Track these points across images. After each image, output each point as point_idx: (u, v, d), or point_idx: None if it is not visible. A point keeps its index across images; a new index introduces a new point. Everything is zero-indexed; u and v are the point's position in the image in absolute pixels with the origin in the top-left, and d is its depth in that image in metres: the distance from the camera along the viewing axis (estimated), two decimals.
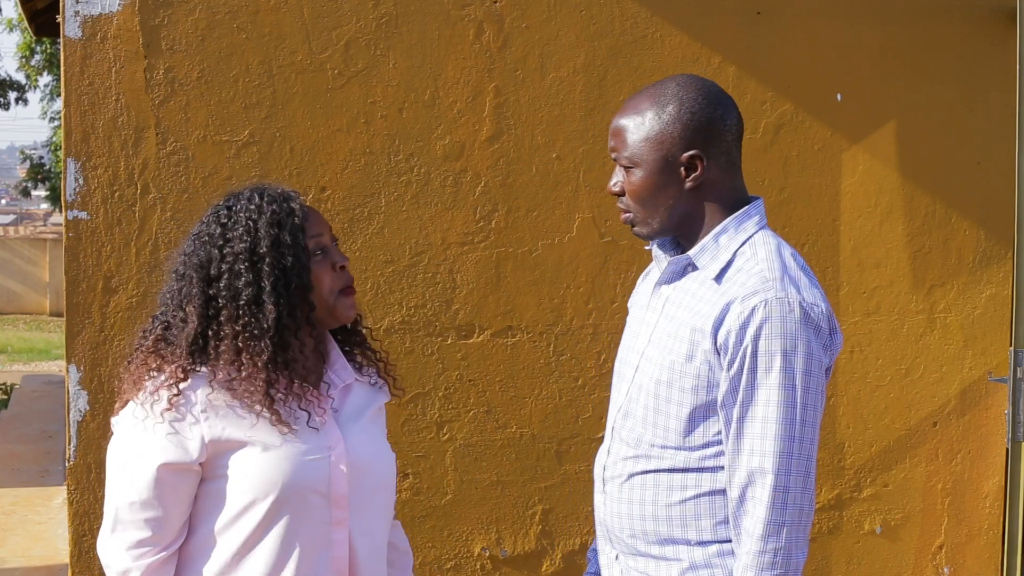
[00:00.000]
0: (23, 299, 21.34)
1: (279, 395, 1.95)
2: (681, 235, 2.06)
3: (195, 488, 1.95)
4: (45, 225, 28.44)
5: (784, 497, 1.87)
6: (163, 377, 1.94)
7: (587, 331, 3.46)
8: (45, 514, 5.42)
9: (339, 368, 2.08)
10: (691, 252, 2.02)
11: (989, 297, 3.74)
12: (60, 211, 11.44)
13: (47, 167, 23.37)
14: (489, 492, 3.43)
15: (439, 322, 3.37)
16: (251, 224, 1.98)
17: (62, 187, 3.20)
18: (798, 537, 1.89)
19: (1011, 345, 3.47)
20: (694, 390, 1.95)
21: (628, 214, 2.05)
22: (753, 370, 1.88)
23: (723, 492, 1.96)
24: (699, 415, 1.95)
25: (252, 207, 2.00)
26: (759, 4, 3.52)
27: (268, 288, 1.94)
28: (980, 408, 3.76)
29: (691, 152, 1.98)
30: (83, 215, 3.12)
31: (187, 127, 3.16)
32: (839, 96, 3.59)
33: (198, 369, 1.95)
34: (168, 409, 1.91)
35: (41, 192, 26.18)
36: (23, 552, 4.87)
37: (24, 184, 25.78)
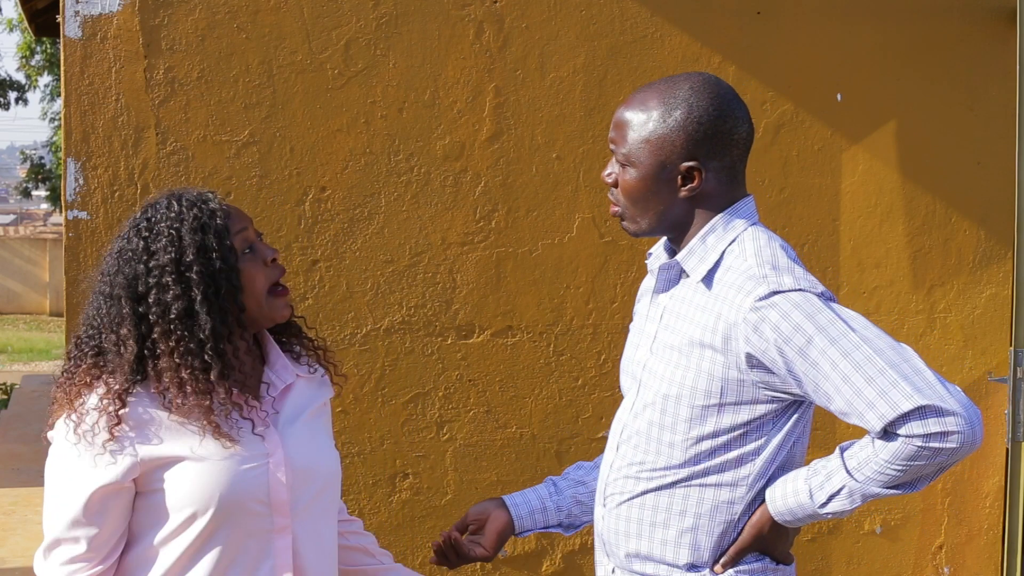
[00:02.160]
0: (23, 299, 21.35)
1: (218, 406, 1.90)
2: (672, 238, 2.02)
3: (130, 503, 1.91)
4: (45, 225, 28.42)
5: (923, 416, 1.78)
6: (98, 399, 1.88)
7: (587, 331, 3.46)
8: None
9: (279, 368, 2.03)
10: (679, 256, 1.97)
11: (989, 297, 3.74)
12: (60, 211, 11.44)
13: (47, 167, 23.37)
14: (489, 492, 3.42)
15: (439, 322, 3.37)
16: (173, 233, 1.91)
17: (62, 187, 3.20)
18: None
19: (1011, 345, 3.47)
20: (704, 406, 1.90)
21: (617, 208, 2.00)
22: (800, 352, 1.81)
23: (725, 509, 1.93)
24: (708, 430, 1.91)
25: (172, 215, 1.93)
26: (759, 4, 3.52)
27: (199, 298, 1.89)
28: (980, 408, 3.74)
29: (690, 164, 1.91)
30: (83, 215, 3.12)
31: (187, 127, 3.16)
32: (839, 96, 3.59)
33: (135, 389, 1.90)
34: (108, 436, 1.87)
35: (41, 192, 26.17)
36: (23, 552, 4.87)
37: (24, 184, 25.77)
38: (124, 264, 1.92)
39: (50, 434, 1.95)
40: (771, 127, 3.54)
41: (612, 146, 1.98)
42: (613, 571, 2.05)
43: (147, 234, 1.93)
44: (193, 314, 1.88)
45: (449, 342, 3.38)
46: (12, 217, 35.23)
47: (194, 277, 1.89)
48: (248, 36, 3.19)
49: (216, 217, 1.94)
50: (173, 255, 1.90)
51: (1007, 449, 3.55)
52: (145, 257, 1.91)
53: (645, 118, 1.93)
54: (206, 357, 1.88)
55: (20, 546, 4.97)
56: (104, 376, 1.91)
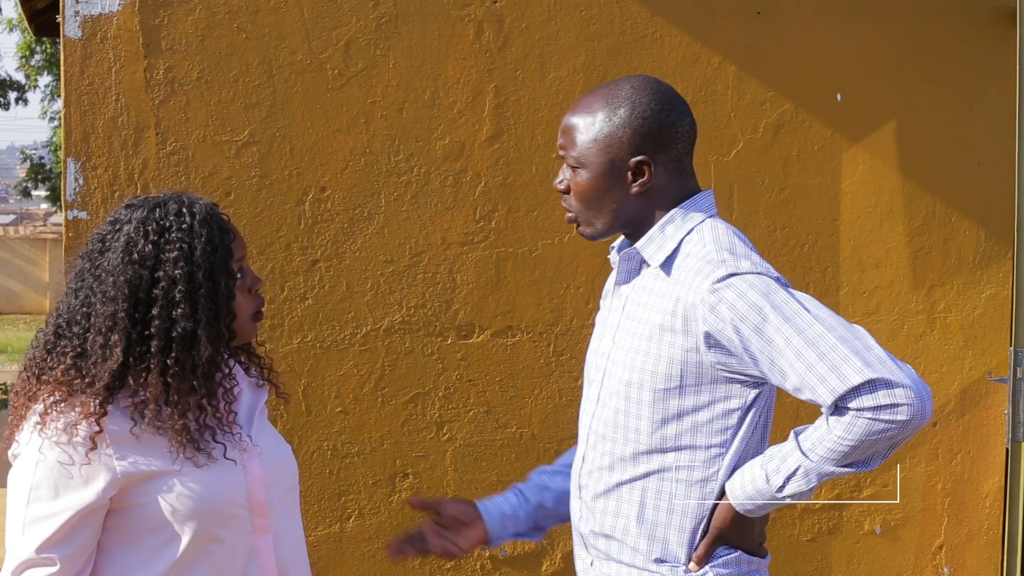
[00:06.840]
0: (23, 299, 21.35)
1: (199, 424, 1.88)
2: (629, 235, 2.07)
3: (103, 520, 1.85)
4: (45, 225, 28.43)
5: (873, 389, 1.81)
6: (75, 412, 1.82)
7: (587, 331, 3.45)
8: None
9: (233, 372, 2.01)
10: (638, 244, 2.02)
11: (989, 297, 3.74)
12: (60, 211, 11.44)
13: (47, 167, 23.37)
14: (489, 492, 3.40)
15: (439, 322, 3.37)
16: (186, 248, 1.86)
17: (62, 187, 3.20)
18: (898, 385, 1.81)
19: (1011, 345, 3.47)
20: (665, 389, 1.95)
21: (571, 213, 2.06)
22: (756, 330, 1.86)
23: (696, 505, 1.97)
24: (671, 414, 1.95)
25: (184, 225, 1.87)
26: (759, 4, 3.52)
27: (204, 321, 1.85)
28: (980, 408, 3.76)
29: (639, 158, 1.97)
30: (83, 215, 3.12)
31: (187, 127, 3.17)
32: (839, 96, 3.59)
33: (113, 400, 1.83)
34: (91, 447, 1.80)
35: (41, 192, 26.17)
36: None
37: (24, 184, 25.77)
38: (129, 265, 1.85)
39: (16, 445, 1.85)
40: (771, 127, 3.54)
41: (562, 152, 2.05)
42: (592, 564, 2.09)
43: (156, 238, 1.86)
44: (195, 338, 1.85)
45: (449, 342, 3.38)
46: (12, 217, 35.23)
47: (202, 300, 1.85)
48: (248, 36, 3.19)
49: (225, 239, 1.91)
50: (185, 271, 1.85)
51: (1007, 449, 3.56)
52: (152, 263, 1.85)
53: (591, 120, 2.00)
54: (196, 382, 1.86)
55: None
56: (82, 383, 1.84)
